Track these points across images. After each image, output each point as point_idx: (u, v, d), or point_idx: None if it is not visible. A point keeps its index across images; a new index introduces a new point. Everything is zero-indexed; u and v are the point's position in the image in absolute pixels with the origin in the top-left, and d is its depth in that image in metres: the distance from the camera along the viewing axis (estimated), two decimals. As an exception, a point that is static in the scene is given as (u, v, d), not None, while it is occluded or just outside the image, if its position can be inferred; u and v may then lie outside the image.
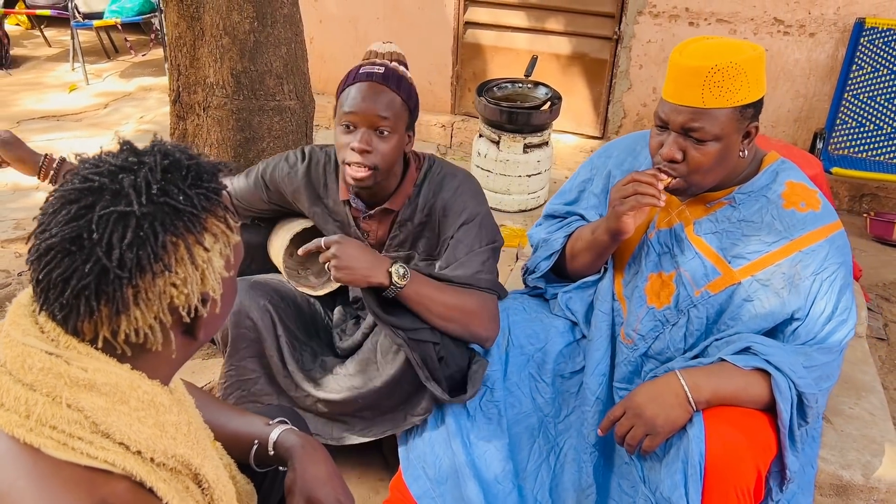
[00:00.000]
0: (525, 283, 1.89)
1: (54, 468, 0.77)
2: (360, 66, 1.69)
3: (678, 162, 1.48)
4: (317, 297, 1.97)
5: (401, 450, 1.78)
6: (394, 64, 1.69)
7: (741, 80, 1.42)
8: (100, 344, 0.83)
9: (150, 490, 0.82)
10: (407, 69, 1.72)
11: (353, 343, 1.86)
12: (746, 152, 1.50)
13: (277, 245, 1.90)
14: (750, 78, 1.43)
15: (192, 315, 0.85)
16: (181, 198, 0.82)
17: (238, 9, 2.28)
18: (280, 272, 1.93)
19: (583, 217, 1.78)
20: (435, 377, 1.65)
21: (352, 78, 1.66)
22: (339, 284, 1.95)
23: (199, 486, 0.92)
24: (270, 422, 1.23)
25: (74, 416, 0.79)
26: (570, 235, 1.77)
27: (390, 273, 1.58)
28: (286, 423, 1.24)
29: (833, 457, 1.83)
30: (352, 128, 1.63)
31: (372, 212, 1.78)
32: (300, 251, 1.59)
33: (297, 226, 1.90)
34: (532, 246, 1.88)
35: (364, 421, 1.80)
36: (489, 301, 1.70)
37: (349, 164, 1.63)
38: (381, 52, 1.71)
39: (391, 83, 1.64)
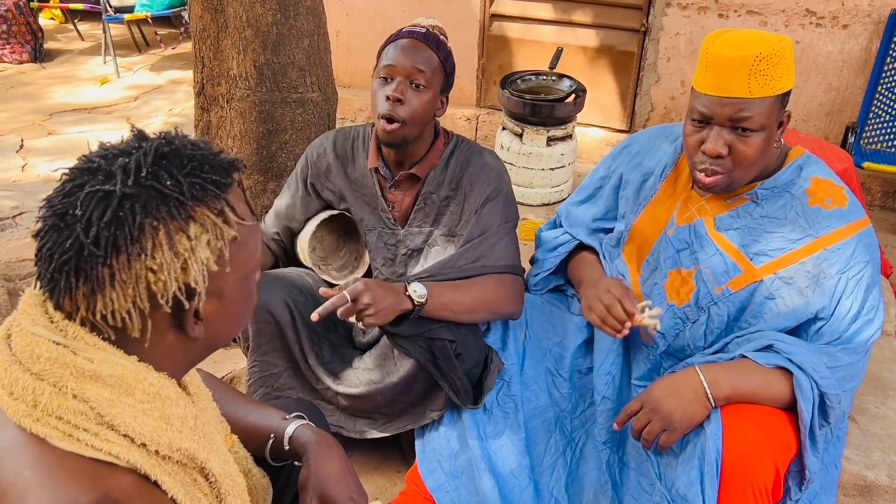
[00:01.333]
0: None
1: (59, 459, 0.77)
2: (404, 27, 1.75)
3: (724, 157, 1.44)
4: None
5: (417, 443, 1.78)
6: (435, 31, 1.75)
7: (783, 66, 1.40)
8: (78, 321, 0.82)
9: (155, 483, 0.82)
10: (447, 41, 1.77)
11: (371, 338, 1.87)
12: (779, 142, 1.48)
13: (303, 236, 1.91)
14: (788, 65, 1.41)
15: (173, 305, 0.83)
16: (169, 183, 0.80)
17: (261, 1, 2.29)
18: (304, 263, 1.94)
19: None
20: (452, 374, 1.67)
21: (394, 37, 1.73)
22: (361, 273, 1.95)
23: (207, 480, 0.91)
24: (287, 416, 1.23)
25: (80, 407, 0.79)
26: (563, 256, 1.83)
27: (410, 297, 1.60)
28: (303, 417, 1.24)
29: (857, 457, 1.80)
30: (389, 79, 1.68)
31: (398, 177, 1.79)
32: (315, 316, 1.53)
33: (321, 216, 1.91)
34: (536, 245, 1.90)
35: (384, 416, 1.81)
36: (506, 280, 1.72)
37: (381, 117, 1.67)
38: (425, 24, 1.77)
39: (431, 43, 1.70)
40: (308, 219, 1.94)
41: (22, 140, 4.27)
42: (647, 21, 3.76)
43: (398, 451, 2.01)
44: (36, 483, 0.74)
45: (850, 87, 3.53)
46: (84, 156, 0.83)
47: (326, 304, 1.53)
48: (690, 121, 1.47)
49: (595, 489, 1.65)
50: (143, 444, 0.81)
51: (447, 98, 1.78)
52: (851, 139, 3.34)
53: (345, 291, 1.54)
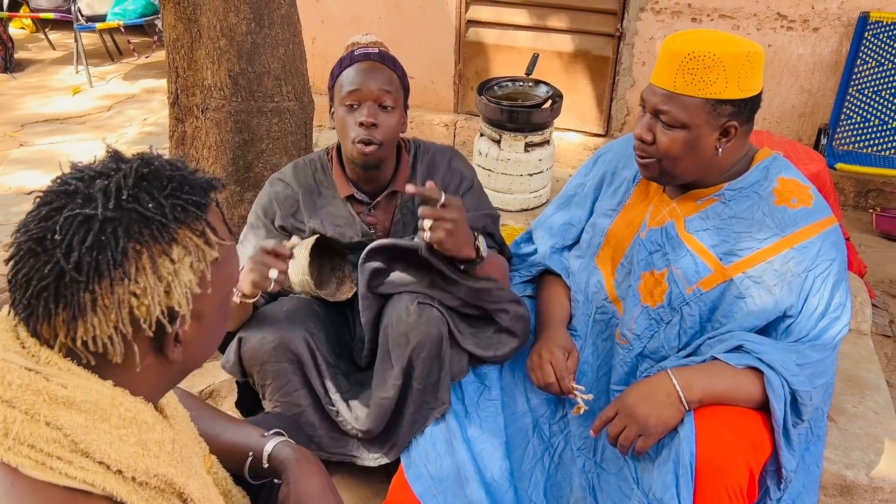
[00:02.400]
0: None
1: (32, 489, 0.75)
2: (353, 50, 1.72)
3: (648, 143, 1.51)
4: (333, 308, 1.91)
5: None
6: (382, 47, 1.74)
7: (717, 72, 1.41)
8: (57, 348, 0.80)
9: None
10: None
11: (368, 354, 1.84)
12: (722, 151, 1.49)
13: (296, 268, 1.84)
14: (728, 73, 1.41)
15: (156, 329, 0.82)
16: (151, 205, 0.79)
17: (235, 10, 2.28)
18: (293, 288, 1.87)
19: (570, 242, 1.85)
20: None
21: (348, 60, 1.70)
22: (351, 294, 1.90)
23: None
24: (266, 433, 1.21)
25: (53, 435, 0.77)
26: (529, 278, 1.89)
27: (478, 247, 1.61)
28: (282, 434, 1.22)
29: (837, 456, 1.81)
30: (356, 105, 1.66)
31: (378, 199, 1.78)
32: (410, 189, 1.54)
33: (307, 243, 1.85)
34: (517, 241, 1.95)
35: (391, 438, 1.77)
36: (504, 260, 1.84)
37: (356, 142, 1.65)
38: (365, 42, 1.75)
39: (387, 62, 1.71)
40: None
41: (-7, 152, 4.21)
42: (621, 26, 3.79)
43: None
44: None
45: (821, 90, 3.58)
46: (59, 178, 0.81)
47: (419, 188, 1.54)
48: (640, 106, 1.56)
49: (574, 494, 1.65)
50: (119, 471, 0.80)
51: (407, 113, 1.78)
52: (824, 141, 3.39)
53: (443, 193, 1.53)
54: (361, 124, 1.64)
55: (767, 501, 1.46)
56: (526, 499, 1.69)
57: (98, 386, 0.81)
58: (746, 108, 1.46)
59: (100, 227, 0.76)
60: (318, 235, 1.82)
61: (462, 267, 1.65)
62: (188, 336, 0.86)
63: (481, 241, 1.62)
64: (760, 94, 1.48)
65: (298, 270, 1.79)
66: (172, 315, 0.82)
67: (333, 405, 1.75)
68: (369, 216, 1.81)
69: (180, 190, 0.82)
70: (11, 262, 0.79)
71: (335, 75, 1.72)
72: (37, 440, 0.76)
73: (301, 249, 1.80)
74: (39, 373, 0.79)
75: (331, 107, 1.75)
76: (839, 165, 3.26)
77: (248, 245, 1.85)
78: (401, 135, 1.80)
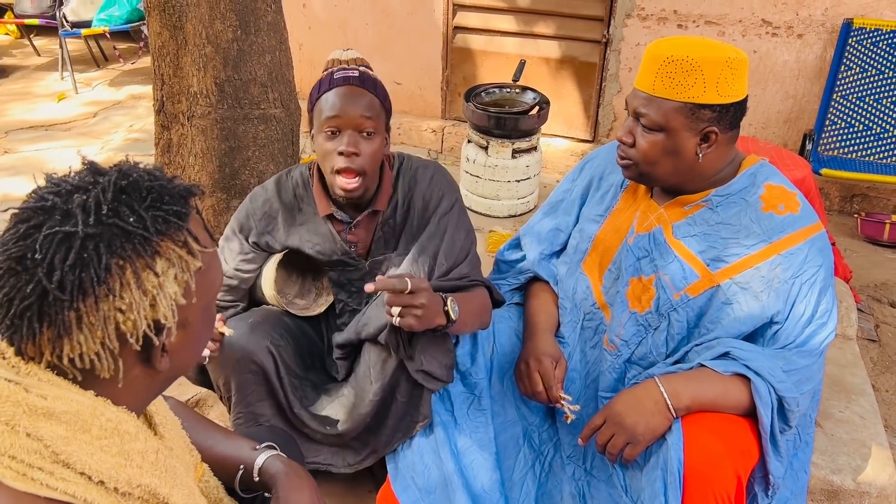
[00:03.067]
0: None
1: (14, 499, 0.74)
2: (332, 72, 1.67)
3: (628, 145, 1.53)
4: (306, 320, 1.91)
5: (388, 460, 1.76)
6: (363, 68, 1.69)
7: (694, 76, 1.42)
8: (43, 366, 0.80)
9: None
10: (376, 75, 1.73)
11: (344, 368, 1.83)
12: (702, 156, 1.49)
13: (266, 280, 1.82)
14: (707, 78, 1.42)
15: (143, 343, 0.81)
16: (131, 219, 0.78)
17: (221, 17, 2.27)
18: (265, 299, 1.87)
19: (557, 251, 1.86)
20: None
21: (327, 84, 1.65)
22: (331, 299, 1.90)
23: None
24: (258, 446, 1.21)
25: (34, 446, 0.76)
26: (518, 285, 1.88)
27: (447, 312, 1.55)
28: (274, 448, 1.22)
29: (824, 461, 1.82)
30: (336, 132, 1.62)
31: (359, 218, 1.75)
32: (369, 287, 1.46)
33: (276, 258, 1.83)
34: (504, 248, 1.94)
35: (368, 446, 1.77)
36: (485, 292, 1.76)
37: (338, 173, 1.62)
38: (345, 59, 1.70)
39: (368, 85, 1.65)
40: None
41: (-23, 159, 4.17)
42: (608, 32, 3.81)
43: (368, 471, 1.99)
44: None
45: (806, 95, 3.61)
46: (35, 193, 0.80)
47: (384, 281, 1.47)
48: (625, 109, 1.58)
49: (564, 501, 1.65)
50: (101, 482, 0.79)
51: (389, 134, 1.74)
52: (809, 146, 3.41)
53: (407, 280, 1.47)
54: (342, 153, 1.60)
55: (756, 507, 1.47)
56: (517, 508, 1.69)
57: (78, 397, 0.80)
58: (728, 114, 1.47)
59: (81, 244, 0.76)
60: (286, 251, 1.81)
61: (437, 332, 1.61)
62: (174, 345, 0.86)
63: (451, 305, 1.56)
64: (744, 101, 1.49)
65: (268, 285, 1.79)
66: (159, 327, 0.82)
67: (298, 416, 1.74)
68: (350, 234, 1.78)
69: (160, 201, 0.82)
70: None
71: (314, 99, 1.67)
72: (17, 451, 0.75)
73: (270, 263, 1.79)
74: (19, 384, 0.78)
75: (311, 129, 1.71)
76: (824, 171, 3.29)
77: (226, 255, 1.83)
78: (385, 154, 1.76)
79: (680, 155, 1.49)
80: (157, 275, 0.80)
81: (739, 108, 1.49)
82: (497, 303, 1.81)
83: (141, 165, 0.86)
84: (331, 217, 1.76)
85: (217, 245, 0.91)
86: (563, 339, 1.73)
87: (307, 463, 1.76)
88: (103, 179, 0.80)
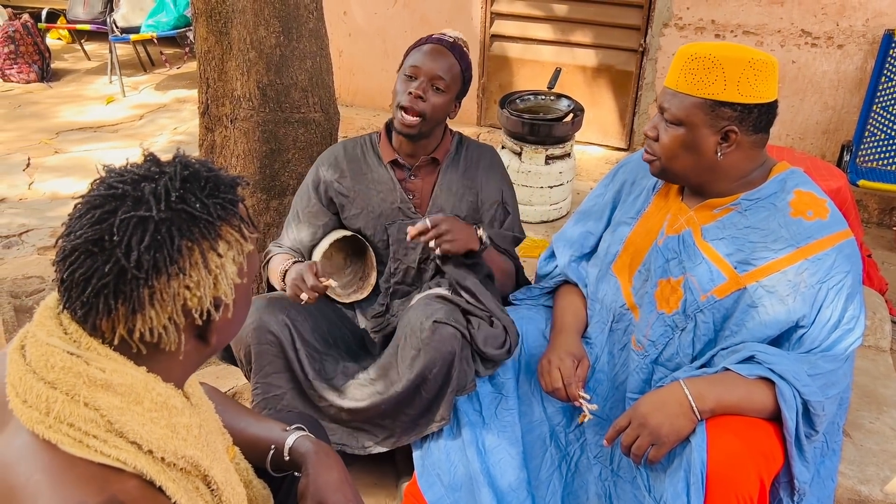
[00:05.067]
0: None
1: (69, 464, 0.80)
2: (432, 34, 1.91)
3: (652, 139, 1.58)
4: (343, 306, 2.00)
5: (416, 456, 1.80)
6: (460, 42, 1.92)
7: (715, 73, 1.45)
8: (116, 341, 0.86)
9: (160, 489, 0.85)
10: (469, 54, 1.94)
11: (377, 349, 1.91)
12: (722, 155, 1.51)
13: (316, 254, 1.94)
14: (727, 76, 1.45)
15: (205, 318, 0.89)
16: (198, 205, 0.86)
17: (265, 24, 2.34)
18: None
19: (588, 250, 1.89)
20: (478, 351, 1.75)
21: (423, 41, 1.90)
22: (365, 294, 1.98)
23: (209, 488, 0.95)
24: (287, 428, 1.26)
25: (91, 415, 0.82)
26: (548, 290, 1.94)
27: (480, 237, 1.81)
28: (303, 429, 1.26)
29: (851, 471, 1.81)
30: (413, 78, 1.83)
31: (419, 162, 1.93)
32: (410, 233, 1.74)
33: (333, 236, 1.95)
34: (542, 259, 1.98)
35: (386, 430, 1.83)
36: (511, 263, 2.00)
37: (403, 109, 1.82)
38: (452, 35, 1.92)
39: (455, 52, 1.87)
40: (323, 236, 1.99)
41: (29, 158, 4.33)
42: (644, 41, 3.82)
43: (393, 463, 2.03)
44: (46, 486, 0.78)
45: (845, 106, 3.57)
46: (101, 181, 0.87)
47: (412, 228, 1.74)
48: None
49: (590, 502, 1.67)
50: (150, 451, 0.85)
51: (460, 102, 1.94)
52: (847, 157, 3.38)
53: (426, 218, 1.75)
54: (410, 93, 1.80)
55: (779, 513, 1.48)
56: (543, 507, 1.72)
57: (133, 371, 0.87)
58: (750, 115, 1.48)
59: (155, 227, 0.83)
60: (343, 233, 1.93)
61: (473, 257, 1.83)
62: (221, 322, 0.93)
63: (482, 232, 1.81)
64: (772, 105, 1.50)
65: (317, 256, 1.90)
66: (218, 304, 0.90)
67: (314, 389, 1.81)
68: (409, 182, 1.95)
69: (217, 189, 0.90)
70: (65, 264, 0.84)
71: (409, 50, 1.90)
72: (76, 419, 0.82)
73: (326, 239, 1.91)
74: (80, 357, 0.85)
75: (399, 70, 1.91)
76: (862, 182, 3.25)
77: (291, 230, 2.00)
78: (450, 119, 1.95)
79: (699, 151, 1.52)
80: (219, 256, 0.88)
81: (764, 111, 1.50)
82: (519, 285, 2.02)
83: (190, 156, 0.93)
84: (394, 165, 1.94)
85: (258, 231, 1.01)
86: (591, 340, 1.76)
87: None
88: (169, 169, 0.88)
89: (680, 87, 1.50)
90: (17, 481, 0.78)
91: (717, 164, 1.53)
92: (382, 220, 1.94)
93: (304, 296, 1.70)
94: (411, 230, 1.74)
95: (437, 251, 1.74)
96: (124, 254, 0.82)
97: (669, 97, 1.53)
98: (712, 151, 1.51)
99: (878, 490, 1.77)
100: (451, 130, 2.01)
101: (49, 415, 0.82)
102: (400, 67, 1.89)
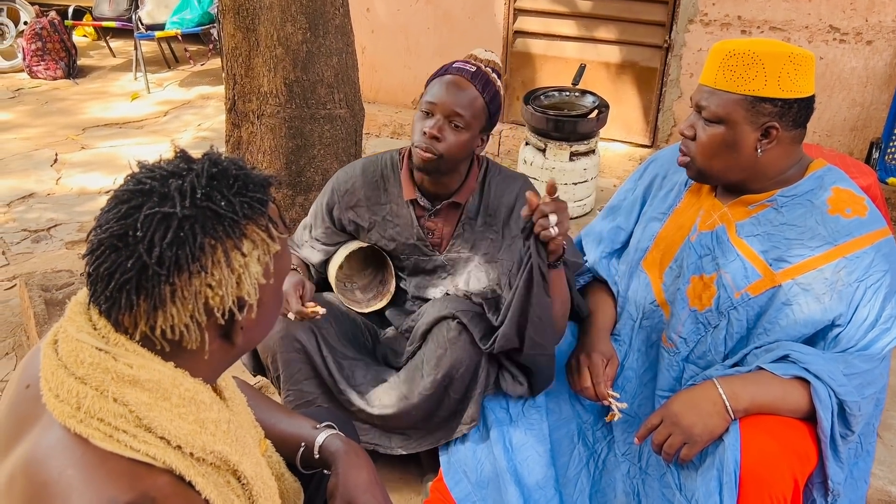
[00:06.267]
0: None
1: (101, 459, 0.80)
2: (456, 61, 1.76)
3: (689, 139, 1.55)
4: (363, 315, 1.99)
5: (441, 454, 1.81)
6: (487, 69, 1.75)
7: (756, 69, 1.44)
8: (137, 337, 0.86)
9: (190, 484, 0.85)
10: (500, 79, 1.78)
11: (407, 356, 1.89)
12: (762, 151, 1.50)
13: (333, 262, 1.94)
14: (768, 71, 1.43)
15: (227, 317, 0.88)
16: (223, 203, 0.85)
17: (292, 20, 2.36)
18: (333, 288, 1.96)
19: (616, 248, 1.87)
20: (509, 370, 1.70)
21: (443, 70, 1.74)
22: (384, 304, 1.97)
23: (240, 482, 0.95)
24: (318, 426, 1.26)
25: (120, 410, 0.83)
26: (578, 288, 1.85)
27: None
28: (333, 427, 1.27)
29: (882, 472, 1.80)
30: (429, 114, 1.71)
31: (439, 206, 1.82)
32: (523, 212, 1.46)
33: (353, 245, 1.94)
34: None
35: (419, 431, 1.83)
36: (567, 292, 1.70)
37: (416, 147, 1.71)
38: (481, 58, 1.77)
39: (477, 82, 1.71)
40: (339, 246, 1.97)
41: (56, 154, 4.38)
42: (669, 37, 3.79)
43: (418, 461, 2.04)
44: (78, 481, 0.78)
45: (874, 103, 3.52)
46: (132, 176, 0.87)
47: (532, 197, 1.44)
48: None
49: (618, 500, 1.66)
50: (179, 447, 0.85)
51: (489, 136, 1.79)
52: (876, 155, 3.33)
53: (544, 193, 1.46)
54: (425, 133, 1.69)
55: (813, 513, 1.46)
56: (570, 504, 1.71)
57: (160, 367, 0.87)
58: (790, 110, 1.47)
59: (178, 224, 0.82)
60: (362, 244, 1.90)
61: (554, 264, 1.57)
62: (248, 322, 0.92)
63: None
64: (810, 99, 1.49)
65: (333, 265, 1.90)
66: (241, 304, 0.89)
67: (344, 394, 1.80)
68: (429, 221, 1.85)
69: (245, 188, 0.88)
70: (92, 257, 0.85)
71: (431, 79, 1.76)
72: (105, 414, 0.82)
73: (343, 248, 1.89)
74: (108, 353, 0.85)
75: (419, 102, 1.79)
76: (891, 180, 3.21)
77: (304, 233, 1.95)
78: (476, 154, 1.81)
79: (739, 149, 1.50)
80: (243, 255, 0.87)
81: (804, 105, 1.48)
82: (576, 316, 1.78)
83: (223, 154, 0.92)
84: (414, 203, 1.84)
85: (289, 231, 0.98)
86: (620, 337, 1.75)
87: None
88: (197, 166, 0.87)
89: (719, 85, 1.48)
90: (49, 476, 0.79)
91: (757, 162, 1.52)
92: (397, 252, 1.89)
93: (291, 315, 1.67)
94: (532, 197, 1.43)
95: (553, 229, 1.42)
96: (146, 249, 0.81)
97: (707, 95, 1.51)
98: (752, 149, 1.50)
99: (910, 491, 1.76)
100: (478, 160, 1.86)
101: (80, 409, 0.82)
102: (421, 95, 1.77)
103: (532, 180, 3.31)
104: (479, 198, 1.84)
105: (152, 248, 0.81)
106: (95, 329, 0.87)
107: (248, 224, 0.88)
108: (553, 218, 1.42)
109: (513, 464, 1.73)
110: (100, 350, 0.85)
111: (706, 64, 1.53)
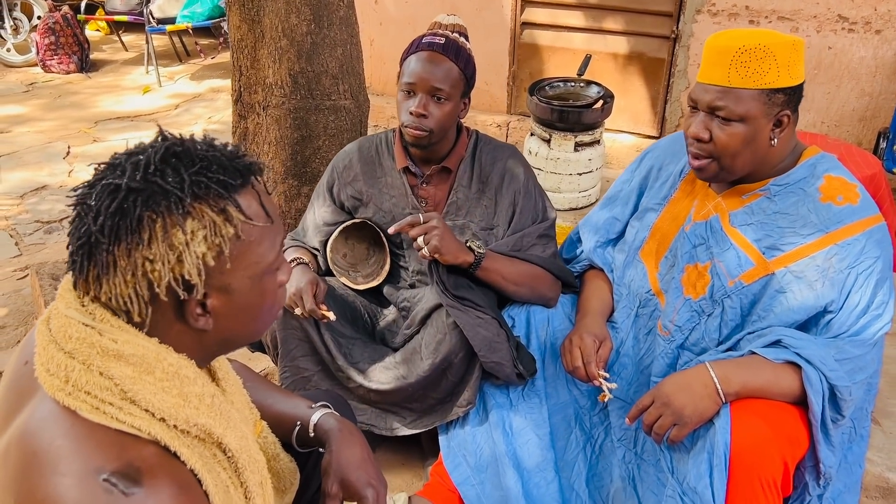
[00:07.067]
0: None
1: (89, 430, 0.84)
2: (423, 35, 1.81)
3: (705, 142, 1.51)
4: (360, 293, 2.02)
5: (441, 438, 1.83)
6: (454, 35, 1.80)
7: (769, 62, 1.44)
8: (87, 304, 0.89)
9: (176, 455, 0.88)
10: (468, 40, 1.84)
11: (403, 339, 1.92)
12: (776, 141, 1.50)
13: (330, 240, 1.97)
14: (780, 62, 1.44)
15: (169, 295, 0.88)
16: (170, 179, 0.86)
17: (296, 12, 2.38)
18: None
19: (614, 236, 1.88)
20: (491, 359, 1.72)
21: (414, 47, 1.80)
22: (378, 282, 2.00)
23: (225, 454, 0.97)
24: (313, 405, 1.28)
25: (105, 383, 0.86)
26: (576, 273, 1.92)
27: (472, 248, 1.73)
28: (328, 407, 1.29)
29: (880, 458, 1.80)
30: (411, 93, 1.77)
31: (430, 172, 1.88)
32: (392, 229, 1.70)
33: (348, 221, 1.97)
34: (565, 244, 1.99)
35: (414, 413, 1.86)
36: (548, 274, 1.85)
37: (406, 126, 1.77)
38: (445, 24, 1.83)
39: (450, 53, 1.77)
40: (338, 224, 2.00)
41: (69, 147, 4.44)
42: (677, 28, 3.78)
43: (419, 445, 2.06)
44: (67, 451, 0.81)
45: (883, 93, 3.50)
46: (115, 153, 0.91)
47: (402, 221, 1.69)
48: (689, 107, 1.57)
49: (614, 485, 1.69)
50: (163, 419, 0.88)
51: (469, 99, 1.86)
52: (883, 144, 3.32)
53: (419, 214, 1.70)
54: (411, 112, 1.75)
55: (806, 497, 1.47)
56: (569, 488, 1.74)
57: (144, 342, 0.89)
58: (796, 95, 1.49)
59: (124, 195, 0.85)
60: (357, 220, 1.94)
61: (470, 270, 1.75)
62: (217, 308, 0.92)
63: (474, 243, 1.74)
64: (803, 83, 1.51)
65: (329, 244, 1.93)
66: (187, 284, 0.88)
67: (342, 370, 1.83)
68: (422, 189, 1.91)
69: (208, 169, 0.88)
70: (69, 227, 0.90)
71: (403, 58, 1.81)
72: (92, 387, 0.85)
73: (338, 228, 1.93)
74: (94, 328, 0.88)
75: (398, 82, 1.85)
76: (898, 170, 3.20)
77: (318, 211, 2.00)
78: (461, 119, 1.89)
79: (757, 143, 1.50)
80: (184, 233, 0.86)
81: (801, 90, 1.51)
82: (569, 286, 1.90)
83: (214, 140, 0.93)
84: (406, 172, 1.90)
85: (273, 223, 0.97)
86: (617, 325, 1.77)
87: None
88: (159, 144, 0.90)
89: (734, 83, 1.46)
90: (40, 446, 0.82)
91: (770, 152, 1.52)
92: (394, 223, 1.90)
93: (297, 311, 1.71)
94: (396, 225, 1.69)
95: (425, 250, 1.67)
96: (93, 218, 0.85)
97: (720, 94, 1.47)
98: (767, 139, 1.50)
99: (908, 478, 1.76)
100: (467, 131, 1.93)
101: (68, 383, 0.85)
102: (398, 75, 1.82)
103: (537, 171, 3.34)
104: (470, 166, 1.89)
105: (98, 216, 0.85)
106: (83, 305, 0.90)
107: (197, 203, 0.87)
108: (420, 240, 1.67)
109: (512, 447, 1.75)
110: (86, 325, 0.88)
111: (709, 62, 1.50)
